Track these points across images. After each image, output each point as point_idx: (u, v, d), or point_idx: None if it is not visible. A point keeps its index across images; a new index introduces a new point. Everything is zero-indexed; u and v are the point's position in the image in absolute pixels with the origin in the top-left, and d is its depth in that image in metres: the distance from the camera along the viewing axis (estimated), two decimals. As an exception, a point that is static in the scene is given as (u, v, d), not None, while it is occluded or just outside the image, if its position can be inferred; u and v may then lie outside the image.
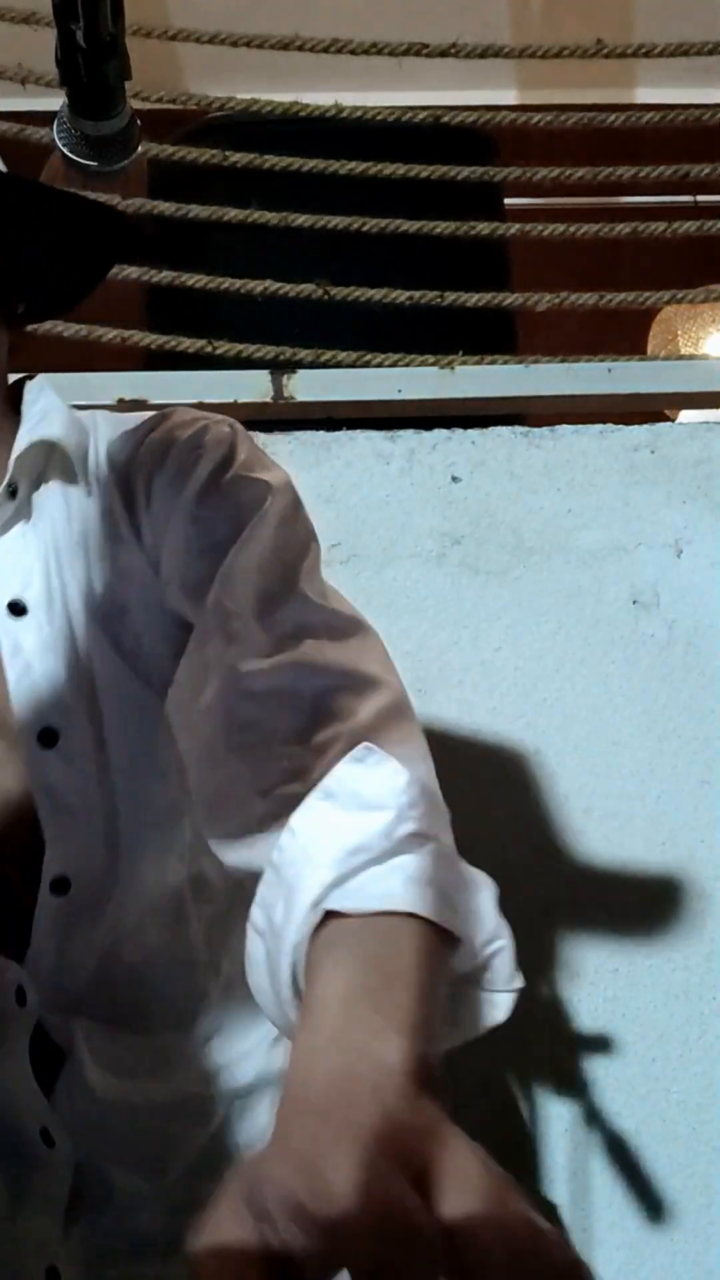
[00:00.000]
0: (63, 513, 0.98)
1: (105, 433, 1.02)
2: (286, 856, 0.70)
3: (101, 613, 0.95)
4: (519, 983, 0.68)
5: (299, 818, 0.71)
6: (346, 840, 0.66)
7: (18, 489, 0.97)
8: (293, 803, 0.73)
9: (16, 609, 0.95)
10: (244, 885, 0.86)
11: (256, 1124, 1.05)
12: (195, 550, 0.91)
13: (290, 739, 0.80)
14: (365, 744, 0.74)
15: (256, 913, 0.72)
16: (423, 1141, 0.49)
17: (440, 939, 0.65)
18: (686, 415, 2.23)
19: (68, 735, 0.94)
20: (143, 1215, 1.01)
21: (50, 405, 1.02)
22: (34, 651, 0.94)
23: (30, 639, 0.94)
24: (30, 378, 1.06)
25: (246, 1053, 1.05)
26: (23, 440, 0.98)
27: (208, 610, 0.89)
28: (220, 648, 0.86)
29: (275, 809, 0.76)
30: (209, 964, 1.04)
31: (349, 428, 1.66)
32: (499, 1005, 0.68)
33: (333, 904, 0.66)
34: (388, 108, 1.84)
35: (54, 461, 0.99)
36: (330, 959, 0.63)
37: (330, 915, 0.66)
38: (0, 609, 0.95)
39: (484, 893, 0.69)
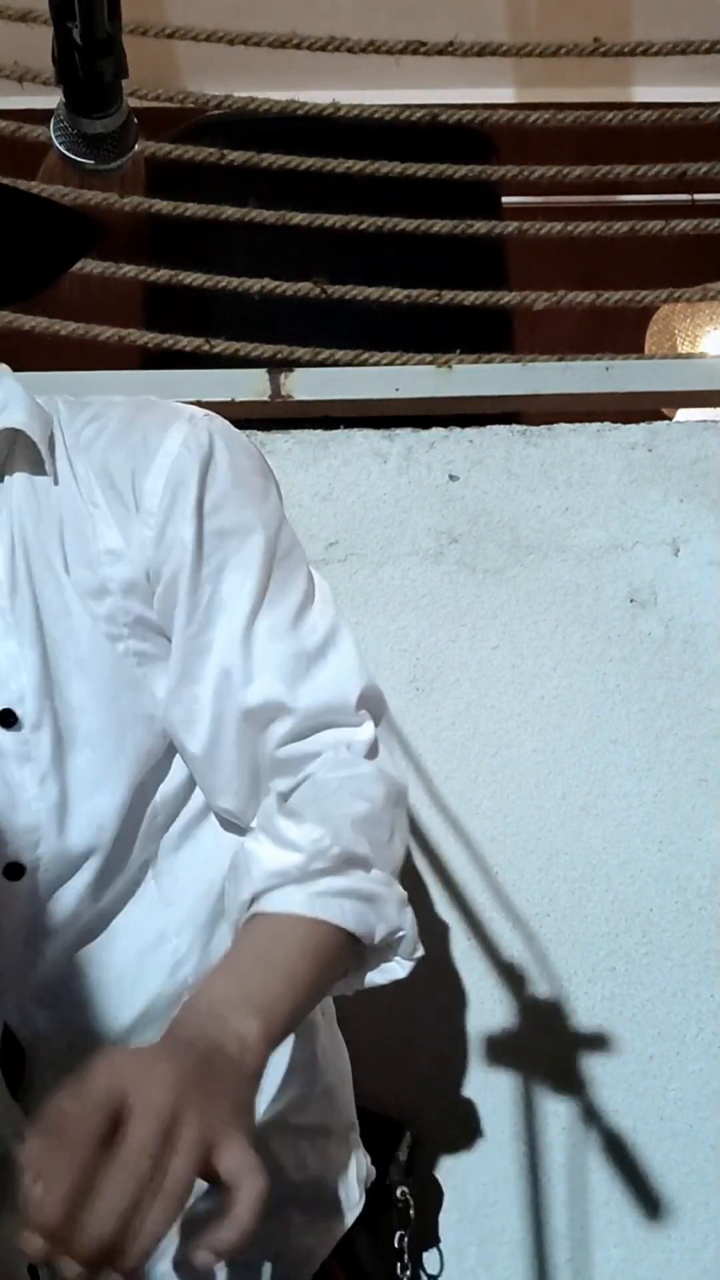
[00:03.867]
0: (30, 501, 0.98)
1: (68, 417, 1.01)
2: (237, 862, 0.92)
3: (80, 593, 0.97)
4: (419, 953, 0.94)
5: (250, 842, 0.92)
6: (272, 866, 0.89)
7: None
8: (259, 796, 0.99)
9: None
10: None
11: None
12: (188, 575, 0.97)
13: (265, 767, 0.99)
14: (290, 807, 0.93)
15: (227, 883, 0.94)
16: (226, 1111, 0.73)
17: (335, 935, 0.88)
18: (684, 414, 2.23)
19: (30, 720, 0.95)
20: None
21: (11, 393, 1.00)
22: None
23: None
24: None
25: None
26: None
27: (197, 635, 0.98)
28: (209, 673, 0.98)
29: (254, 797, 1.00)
30: (166, 906, 1.04)
31: (346, 426, 1.66)
32: (404, 967, 0.94)
33: (256, 908, 0.89)
34: (385, 106, 1.84)
35: (19, 451, 0.99)
36: (245, 939, 0.88)
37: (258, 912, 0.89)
38: None
39: (390, 900, 0.91)
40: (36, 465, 0.98)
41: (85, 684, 0.97)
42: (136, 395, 1.07)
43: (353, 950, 0.90)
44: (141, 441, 0.98)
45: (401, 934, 0.92)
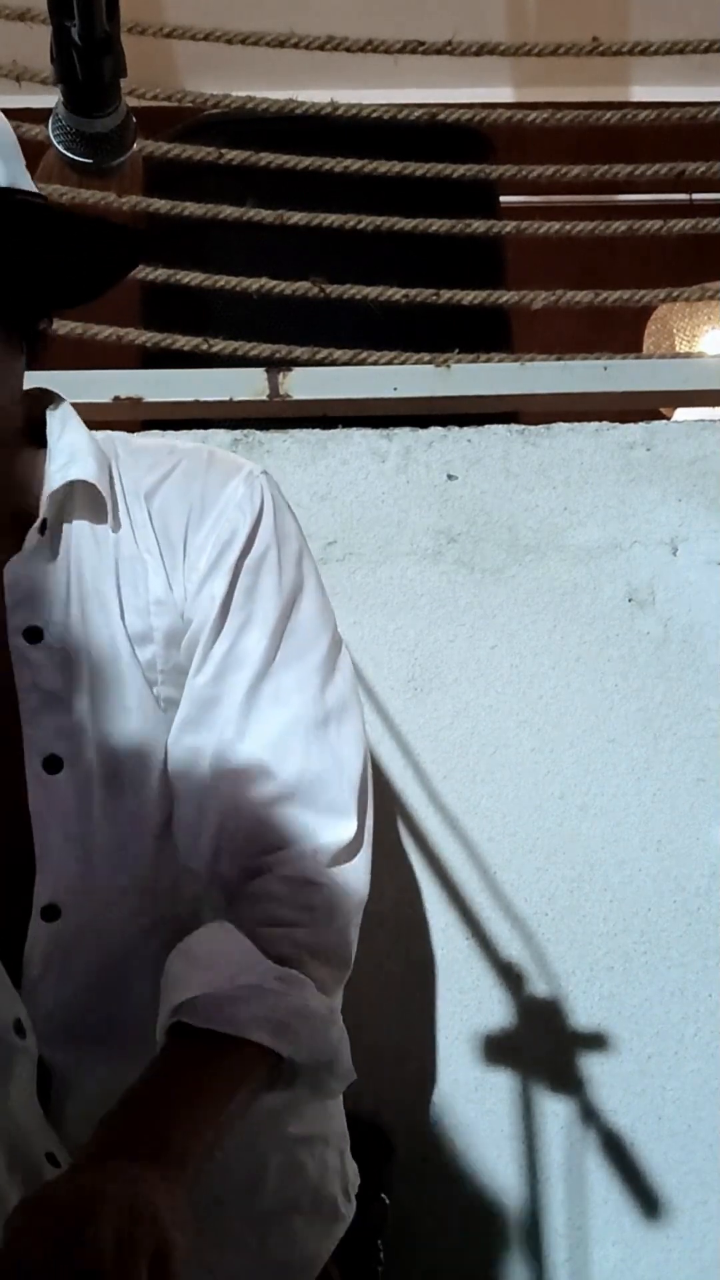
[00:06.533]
0: (91, 546, 1.02)
1: (128, 462, 1.05)
2: (173, 966, 0.94)
3: (129, 640, 1.01)
4: (351, 1078, 0.96)
5: (195, 940, 0.95)
6: (206, 978, 0.90)
7: (47, 525, 1.00)
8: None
9: (33, 635, 0.98)
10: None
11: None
12: (212, 625, 1.01)
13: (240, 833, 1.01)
14: (239, 913, 0.96)
15: (162, 982, 0.95)
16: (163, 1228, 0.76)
17: (261, 1053, 0.89)
18: (682, 413, 2.23)
19: (72, 762, 0.98)
20: None
21: (77, 440, 1.03)
22: (46, 678, 0.98)
23: (44, 665, 0.98)
24: (47, 396, 1.06)
25: None
26: (56, 479, 1.01)
27: (206, 686, 1.01)
28: (210, 725, 1.00)
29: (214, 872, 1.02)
30: (184, 934, 1.05)
31: (345, 425, 1.66)
32: (334, 1090, 0.98)
33: (182, 1015, 0.89)
34: (383, 105, 1.84)
35: (82, 498, 1.02)
36: (171, 1050, 0.90)
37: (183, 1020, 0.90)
38: (18, 636, 0.98)
39: (321, 1021, 0.93)
40: (99, 512, 1.02)
41: (128, 728, 1.00)
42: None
43: (278, 1069, 0.91)
44: (199, 497, 1.03)
45: (329, 1058, 0.94)
